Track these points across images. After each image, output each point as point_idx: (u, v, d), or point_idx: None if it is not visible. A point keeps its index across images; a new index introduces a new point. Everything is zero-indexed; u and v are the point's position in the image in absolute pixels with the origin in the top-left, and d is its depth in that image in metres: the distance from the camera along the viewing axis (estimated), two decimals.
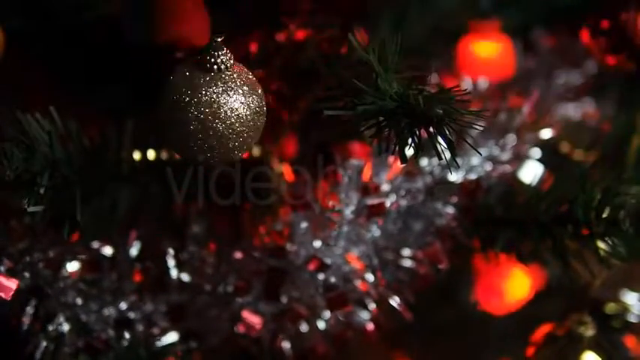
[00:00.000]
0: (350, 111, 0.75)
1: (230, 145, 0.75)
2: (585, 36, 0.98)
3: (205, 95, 0.73)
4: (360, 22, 1.02)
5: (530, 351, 1.06)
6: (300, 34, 0.95)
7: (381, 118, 0.75)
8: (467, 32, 1.19)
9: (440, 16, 1.21)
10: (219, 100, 0.73)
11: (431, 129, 0.73)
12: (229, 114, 0.74)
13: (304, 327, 1.00)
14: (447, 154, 0.75)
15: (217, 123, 0.73)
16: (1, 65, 0.97)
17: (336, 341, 1.05)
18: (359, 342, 1.09)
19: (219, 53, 0.74)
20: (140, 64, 1.02)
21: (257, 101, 0.75)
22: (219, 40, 0.74)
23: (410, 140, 0.74)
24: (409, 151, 0.75)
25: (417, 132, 0.74)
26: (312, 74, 0.95)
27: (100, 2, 1.00)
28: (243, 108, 0.74)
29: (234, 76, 0.74)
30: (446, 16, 1.22)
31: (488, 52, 1.18)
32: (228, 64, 0.74)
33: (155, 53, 0.93)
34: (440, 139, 0.73)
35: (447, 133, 0.73)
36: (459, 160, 1.00)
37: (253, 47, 0.94)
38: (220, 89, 0.74)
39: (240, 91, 0.74)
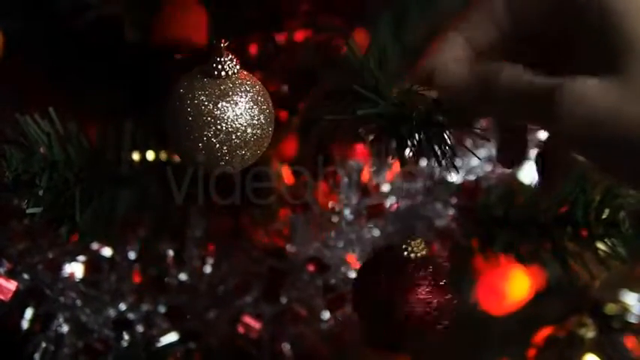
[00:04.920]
0: (350, 116, 0.75)
1: (240, 153, 0.74)
2: None
3: (209, 101, 0.73)
4: (359, 23, 1.02)
5: (531, 353, 1.06)
6: (300, 36, 0.95)
7: (381, 123, 0.75)
8: None
9: (440, 16, 1.21)
10: (224, 107, 0.73)
11: (430, 134, 0.73)
12: (235, 121, 0.73)
13: (304, 328, 1.00)
14: (447, 159, 0.75)
15: (223, 130, 0.73)
16: (1, 65, 0.97)
17: (336, 342, 1.05)
18: (359, 342, 1.09)
19: (225, 59, 0.73)
20: (140, 65, 1.02)
21: (263, 108, 0.75)
22: (224, 45, 0.73)
23: (409, 144, 0.74)
24: (408, 155, 0.76)
25: (417, 136, 0.74)
26: (311, 76, 0.95)
27: (100, 2, 0.99)
28: (249, 115, 0.73)
29: (239, 82, 0.74)
30: (446, 17, 1.22)
31: None
32: (235, 70, 0.74)
33: (155, 54, 0.93)
34: (439, 145, 0.74)
35: (446, 138, 0.73)
36: (459, 161, 1.00)
37: (253, 48, 0.94)
38: (225, 95, 0.73)
39: (245, 99, 0.73)
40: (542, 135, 1.10)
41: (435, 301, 0.77)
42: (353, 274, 0.96)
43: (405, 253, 0.79)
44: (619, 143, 0.62)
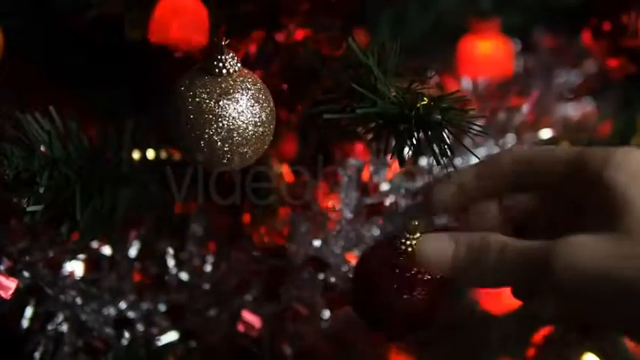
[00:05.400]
0: (349, 114, 0.75)
1: (241, 150, 0.74)
2: (586, 38, 0.98)
3: (211, 99, 0.73)
4: (359, 22, 1.02)
5: (531, 352, 1.06)
6: (299, 35, 0.95)
7: (380, 122, 0.75)
8: (466, 32, 1.19)
9: (439, 15, 1.22)
10: (226, 104, 0.73)
11: (429, 133, 0.73)
12: (237, 118, 0.73)
13: (304, 326, 1.00)
14: (445, 158, 0.75)
15: (224, 127, 0.73)
16: (1, 65, 0.97)
17: (336, 341, 1.05)
18: (359, 342, 1.09)
19: (226, 57, 0.74)
20: (140, 64, 1.02)
21: (264, 106, 0.75)
22: (225, 43, 0.73)
23: (408, 143, 0.74)
24: (407, 154, 0.76)
25: (416, 136, 0.74)
26: (311, 75, 0.95)
27: (100, 1, 0.99)
28: (250, 113, 0.74)
29: (240, 80, 0.74)
30: (445, 16, 1.22)
31: (487, 51, 1.18)
32: (236, 68, 0.74)
33: (155, 53, 0.93)
34: (438, 144, 0.74)
35: (445, 137, 0.74)
36: (459, 160, 1.00)
37: (252, 47, 0.94)
38: (226, 93, 0.73)
39: (247, 96, 0.74)
40: (543, 134, 1.11)
41: (422, 298, 0.77)
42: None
43: (403, 247, 0.79)
44: (612, 297, 0.66)
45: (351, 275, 0.82)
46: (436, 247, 0.75)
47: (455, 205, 0.81)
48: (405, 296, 0.77)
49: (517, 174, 0.77)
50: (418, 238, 0.77)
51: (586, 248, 0.67)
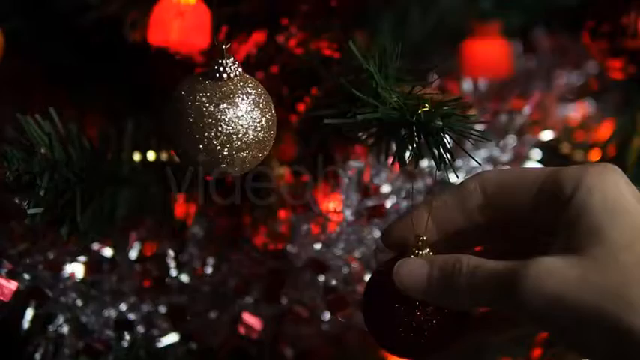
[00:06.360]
0: (350, 119, 0.75)
1: (240, 155, 0.74)
2: (586, 39, 0.98)
3: (210, 103, 0.73)
4: (360, 24, 1.02)
5: (531, 352, 1.06)
6: (300, 36, 0.95)
7: (381, 127, 0.75)
8: (467, 33, 1.19)
9: (440, 16, 1.22)
10: (225, 108, 0.73)
11: (430, 138, 0.73)
12: (236, 122, 0.73)
13: (304, 328, 1.00)
14: (446, 162, 0.75)
15: (223, 131, 0.73)
16: (1, 65, 0.97)
17: (337, 342, 1.05)
18: (359, 343, 1.09)
19: (227, 62, 0.73)
20: (140, 65, 1.02)
21: (265, 111, 0.75)
22: (226, 47, 0.73)
23: (409, 148, 0.74)
24: (408, 158, 0.76)
25: (417, 140, 0.74)
26: (311, 76, 0.94)
27: (100, 2, 0.99)
28: (250, 117, 0.73)
29: (240, 84, 0.74)
30: (446, 17, 1.22)
31: (488, 52, 1.18)
32: (237, 73, 0.74)
33: (155, 54, 0.93)
34: (439, 149, 0.74)
35: (446, 143, 0.73)
36: (459, 162, 1.00)
37: (253, 49, 0.94)
38: (226, 97, 0.73)
39: (247, 101, 0.73)
40: (544, 135, 1.11)
41: (434, 316, 0.75)
42: (353, 275, 0.97)
43: None
44: (573, 322, 0.66)
45: (364, 290, 0.80)
46: (411, 269, 0.75)
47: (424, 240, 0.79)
48: (417, 314, 0.75)
49: (487, 201, 0.76)
50: (428, 253, 0.77)
51: (553, 272, 0.67)
